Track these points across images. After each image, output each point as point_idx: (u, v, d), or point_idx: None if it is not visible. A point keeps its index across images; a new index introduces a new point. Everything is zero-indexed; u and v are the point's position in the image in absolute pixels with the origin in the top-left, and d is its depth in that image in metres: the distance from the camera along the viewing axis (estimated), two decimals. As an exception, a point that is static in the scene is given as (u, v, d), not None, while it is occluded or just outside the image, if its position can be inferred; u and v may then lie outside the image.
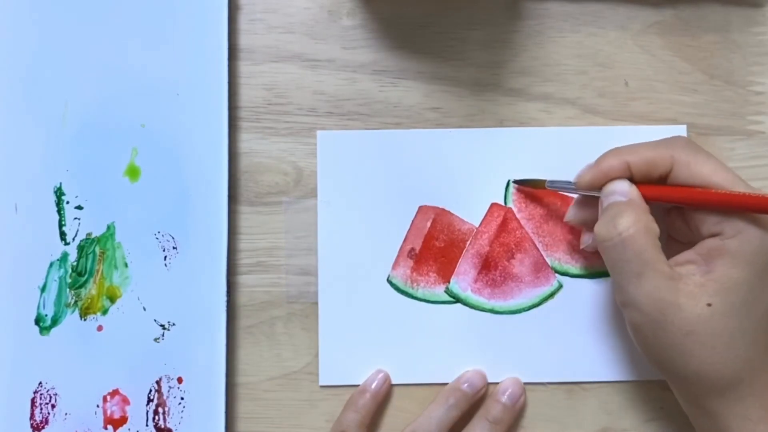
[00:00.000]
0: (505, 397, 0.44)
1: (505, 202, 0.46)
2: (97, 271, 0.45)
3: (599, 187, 0.41)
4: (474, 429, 0.44)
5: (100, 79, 0.46)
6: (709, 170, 0.39)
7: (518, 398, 0.45)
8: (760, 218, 0.38)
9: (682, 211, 0.41)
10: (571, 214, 0.43)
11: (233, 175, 0.46)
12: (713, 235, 0.39)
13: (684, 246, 0.40)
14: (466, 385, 0.44)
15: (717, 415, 0.38)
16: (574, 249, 0.46)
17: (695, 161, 0.39)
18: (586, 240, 0.43)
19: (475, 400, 0.44)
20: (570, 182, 0.43)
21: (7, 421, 0.45)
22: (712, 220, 0.39)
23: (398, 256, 0.46)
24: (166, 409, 0.45)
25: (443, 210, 0.46)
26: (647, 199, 0.40)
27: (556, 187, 0.43)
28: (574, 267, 0.46)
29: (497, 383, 0.45)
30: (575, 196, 0.44)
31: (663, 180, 0.40)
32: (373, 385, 0.45)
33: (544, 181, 0.44)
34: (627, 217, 0.38)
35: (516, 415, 0.45)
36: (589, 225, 0.42)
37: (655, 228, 0.39)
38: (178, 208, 0.45)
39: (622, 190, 0.40)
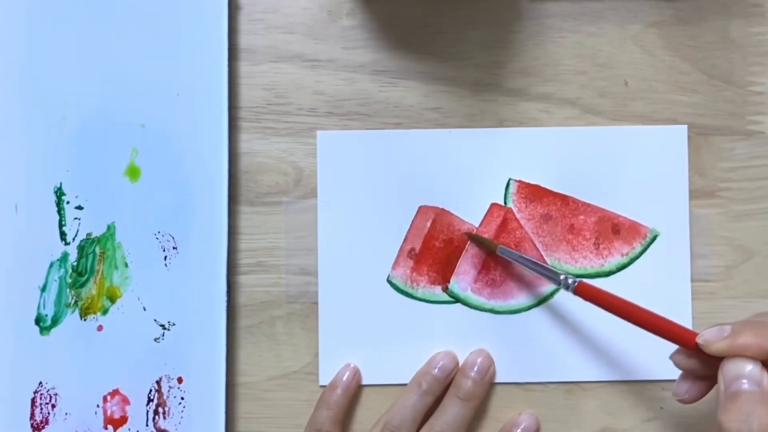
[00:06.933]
0: (474, 371, 0.44)
1: (505, 202, 0.46)
2: (98, 271, 0.45)
3: (724, 356, 0.37)
4: (446, 409, 0.43)
5: (100, 79, 0.46)
6: None
7: (487, 370, 0.44)
8: None
9: None
10: (681, 362, 0.39)
11: (233, 175, 0.46)
12: None
13: None
14: (437, 369, 0.44)
15: None
16: (574, 249, 0.46)
17: None
18: (682, 391, 0.39)
19: (448, 382, 0.44)
20: (521, 255, 0.43)
21: (7, 421, 0.45)
22: None
23: (398, 256, 0.46)
24: (166, 409, 0.45)
25: (443, 210, 0.46)
26: None
27: (507, 255, 0.44)
28: (574, 267, 0.46)
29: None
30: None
31: None
32: (344, 379, 0.44)
33: (497, 245, 0.44)
34: (763, 418, 0.35)
35: (487, 387, 0.44)
36: (692, 373, 0.39)
37: None
38: (178, 208, 0.45)
39: (753, 376, 0.36)
